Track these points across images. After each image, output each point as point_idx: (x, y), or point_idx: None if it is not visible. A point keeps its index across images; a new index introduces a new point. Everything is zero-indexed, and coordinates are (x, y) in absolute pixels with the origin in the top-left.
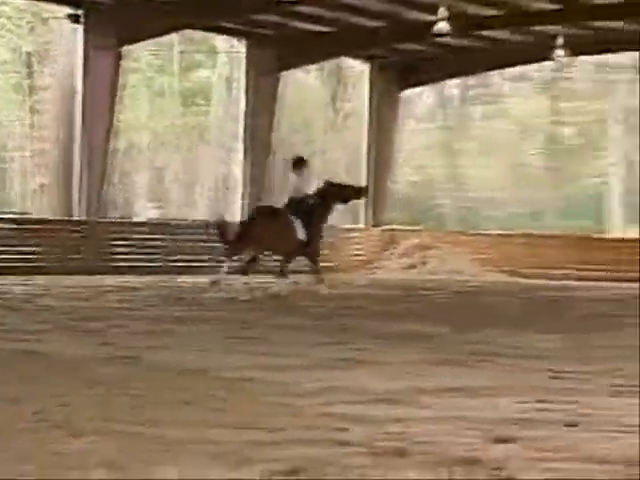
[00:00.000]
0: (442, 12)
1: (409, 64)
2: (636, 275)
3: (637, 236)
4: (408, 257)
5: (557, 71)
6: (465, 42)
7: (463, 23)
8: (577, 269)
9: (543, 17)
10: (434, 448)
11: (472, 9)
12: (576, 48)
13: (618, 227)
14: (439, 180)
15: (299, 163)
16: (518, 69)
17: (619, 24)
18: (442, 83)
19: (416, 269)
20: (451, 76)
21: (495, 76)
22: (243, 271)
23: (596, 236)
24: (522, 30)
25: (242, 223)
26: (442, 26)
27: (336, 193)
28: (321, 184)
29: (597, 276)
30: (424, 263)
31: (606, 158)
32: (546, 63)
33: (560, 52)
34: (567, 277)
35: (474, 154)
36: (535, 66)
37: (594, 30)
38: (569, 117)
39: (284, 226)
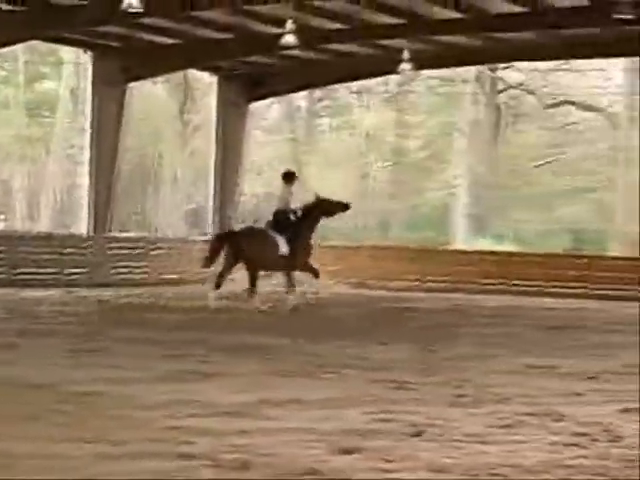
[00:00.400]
0: (289, 25)
1: (257, 76)
2: (477, 287)
3: (480, 248)
4: None
5: (403, 85)
6: (312, 55)
7: (310, 36)
8: (421, 280)
9: (388, 31)
10: (278, 460)
11: (318, 22)
12: (421, 62)
13: (463, 238)
14: None
15: (290, 177)
16: (365, 82)
17: (461, 39)
18: (290, 95)
19: (261, 281)
20: (299, 89)
21: (342, 89)
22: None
23: (440, 248)
24: (368, 43)
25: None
26: (289, 39)
27: (324, 208)
28: (311, 198)
29: (440, 287)
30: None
31: (451, 170)
32: (392, 76)
33: (406, 66)
34: (412, 288)
35: (321, 166)
36: (381, 79)
37: (438, 45)
38: (415, 130)
39: (265, 243)
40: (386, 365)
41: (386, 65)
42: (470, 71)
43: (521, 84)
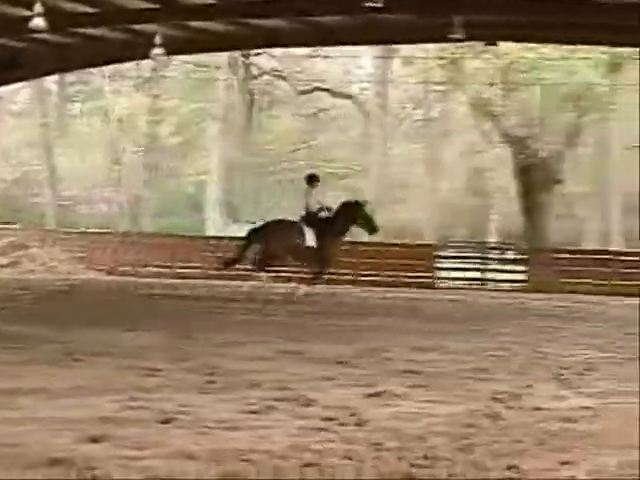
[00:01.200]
0: (38, 7)
1: (5, 60)
2: (230, 273)
3: (233, 234)
4: (3, 256)
5: (156, 70)
6: (63, 39)
7: (60, 19)
8: (174, 267)
9: (140, 16)
10: (24, 449)
11: (69, 6)
12: (174, 47)
13: (216, 225)
14: (37, 177)
15: (312, 180)
16: (117, 67)
17: (214, 25)
18: (41, 79)
19: (11, 268)
20: (49, 73)
21: (94, 73)
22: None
23: (193, 234)
24: (120, 28)
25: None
26: (38, 22)
27: (353, 216)
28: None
29: (193, 274)
30: (19, 262)
31: (205, 156)
32: (145, 62)
33: (158, 51)
34: (164, 275)
35: (73, 151)
36: (134, 64)
37: (191, 30)
38: (168, 115)
39: (295, 235)
40: (137, 352)
41: (139, 50)
42: (224, 57)
43: (274, 70)
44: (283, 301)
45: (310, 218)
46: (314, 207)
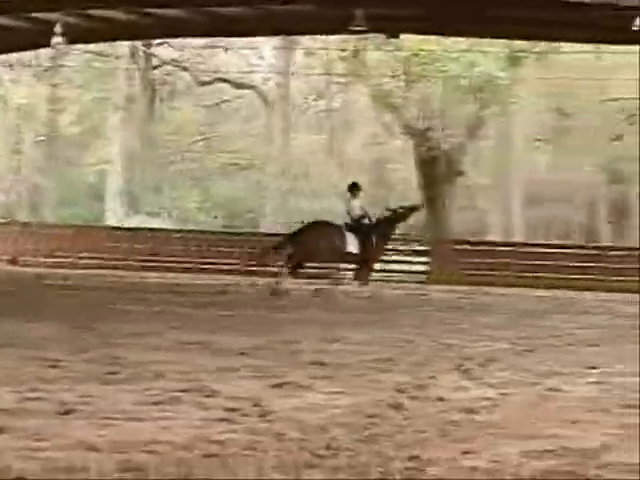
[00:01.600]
0: None
1: None
2: (131, 264)
3: (134, 225)
4: None
5: (56, 58)
6: None
7: None
8: (75, 258)
9: (40, 4)
10: None
11: None
12: (74, 36)
13: (116, 215)
14: None
15: (354, 188)
16: (17, 55)
17: (115, 14)
18: None
19: None
20: None
21: None
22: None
23: (94, 225)
24: (19, 16)
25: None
26: None
27: (395, 218)
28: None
29: (94, 264)
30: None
31: (106, 146)
32: (45, 50)
33: (58, 39)
34: (65, 266)
35: None
36: (34, 53)
37: (91, 19)
38: (69, 105)
39: (333, 238)
40: (39, 343)
41: (38, 38)
42: (125, 47)
43: (175, 61)
44: (191, 293)
45: (356, 225)
46: (356, 215)
